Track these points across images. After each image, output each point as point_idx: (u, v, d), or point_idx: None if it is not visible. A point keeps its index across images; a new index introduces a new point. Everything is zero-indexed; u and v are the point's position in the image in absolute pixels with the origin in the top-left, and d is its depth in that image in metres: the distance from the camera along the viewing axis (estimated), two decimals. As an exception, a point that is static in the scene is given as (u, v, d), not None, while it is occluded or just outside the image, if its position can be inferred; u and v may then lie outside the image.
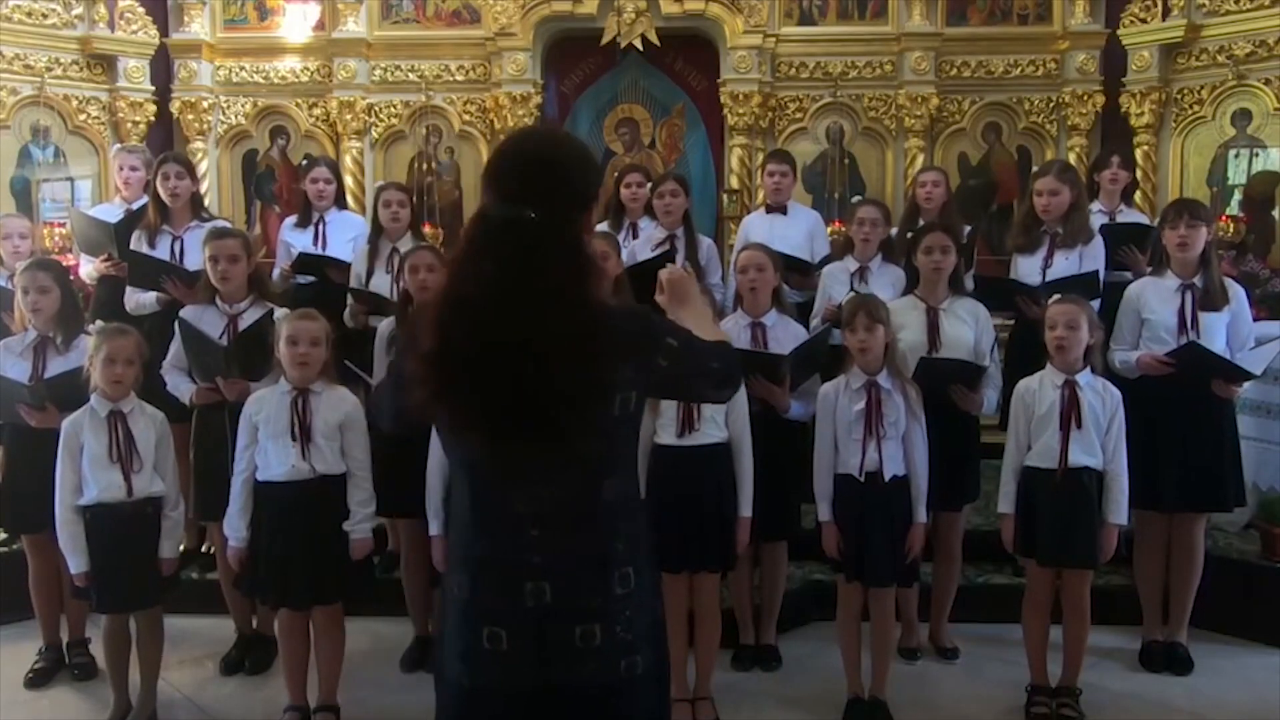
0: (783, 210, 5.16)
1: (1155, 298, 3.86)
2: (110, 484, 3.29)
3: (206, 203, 5.18)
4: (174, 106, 6.70)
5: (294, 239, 4.90)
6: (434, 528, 3.41)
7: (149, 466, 3.35)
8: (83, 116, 6.40)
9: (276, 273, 4.74)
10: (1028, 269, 4.31)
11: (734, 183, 6.69)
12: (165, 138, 6.70)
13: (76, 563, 3.32)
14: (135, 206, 4.81)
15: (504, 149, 1.79)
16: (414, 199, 4.90)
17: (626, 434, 1.80)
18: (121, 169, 4.97)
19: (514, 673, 1.73)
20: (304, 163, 6.44)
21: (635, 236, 4.94)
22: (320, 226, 4.91)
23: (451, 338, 1.64)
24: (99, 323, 3.47)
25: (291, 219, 5.07)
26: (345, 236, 4.88)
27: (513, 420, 1.63)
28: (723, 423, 3.44)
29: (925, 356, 3.65)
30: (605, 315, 1.71)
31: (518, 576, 1.72)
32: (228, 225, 4.57)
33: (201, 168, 6.24)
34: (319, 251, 4.79)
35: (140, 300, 4.36)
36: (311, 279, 4.74)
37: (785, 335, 3.77)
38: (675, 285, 2.02)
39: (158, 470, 3.38)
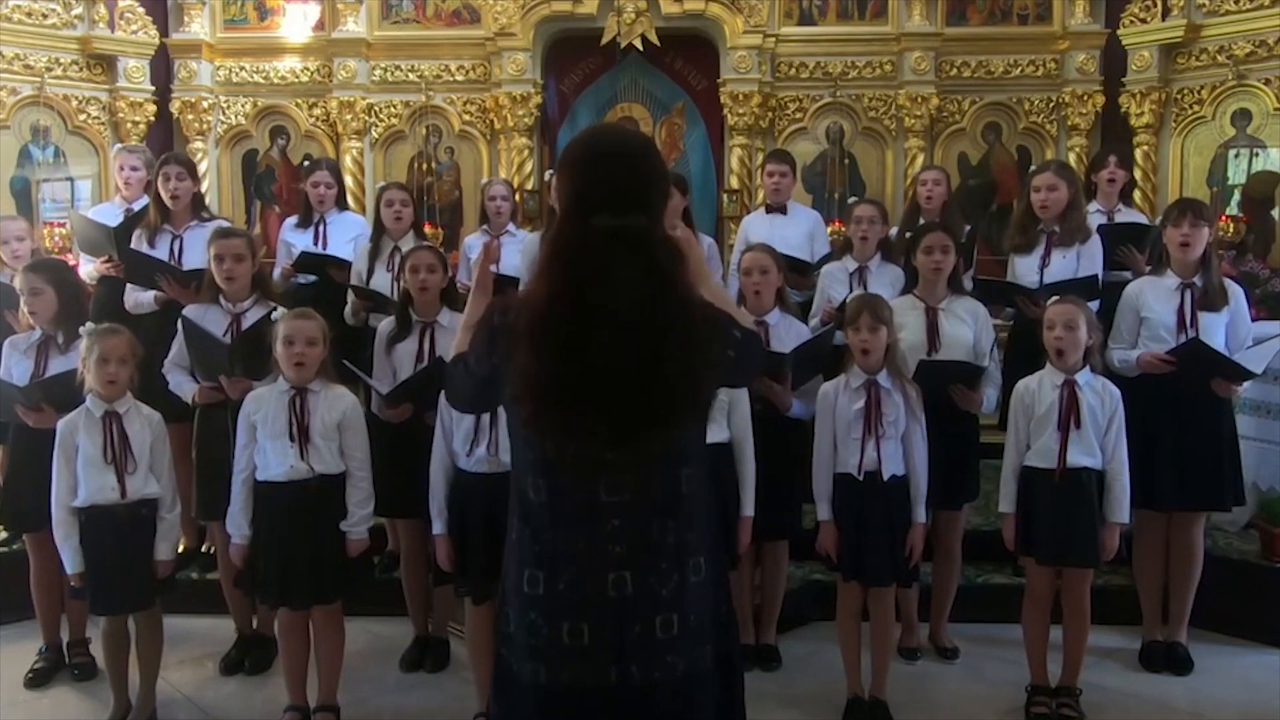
0: (782, 210, 5.17)
1: (1154, 297, 3.85)
2: (104, 486, 3.28)
3: (207, 202, 5.19)
4: (174, 106, 6.71)
5: (295, 239, 4.91)
6: (437, 527, 3.40)
7: (144, 468, 3.34)
8: (83, 116, 6.40)
9: (277, 273, 4.75)
10: (1025, 269, 4.31)
11: (734, 183, 6.69)
12: (165, 138, 6.71)
13: (71, 563, 3.32)
14: (135, 207, 4.82)
15: (594, 156, 1.78)
16: (414, 199, 4.91)
17: (704, 424, 1.85)
18: (122, 169, 4.97)
19: (593, 667, 1.74)
20: (304, 163, 6.46)
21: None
22: (321, 227, 4.92)
23: (575, 349, 1.64)
24: (89, 324, 3.46)
25: (292, 219, 5.07)
26: (346, 237, 4.89)
27: (631, 420, 1.66)
28: (724, 423, 3.43)
29: (924, 358, 3.65)
30: (700, 309, 1.74)
31: (601, 568, 1.74)
32: (231, 225, 4.57)
33: (201, 168, 6.24)
34: (320, 251, 4.80)
35: (139, 299, 4.37)
36: (313, 278, 4.75)
37: (788, 334, 3.77)
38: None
39: (153, 471, 3.37)
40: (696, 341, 1.68)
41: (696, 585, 1.78)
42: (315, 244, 4.85)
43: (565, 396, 1.66)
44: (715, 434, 3.40)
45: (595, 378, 1.64)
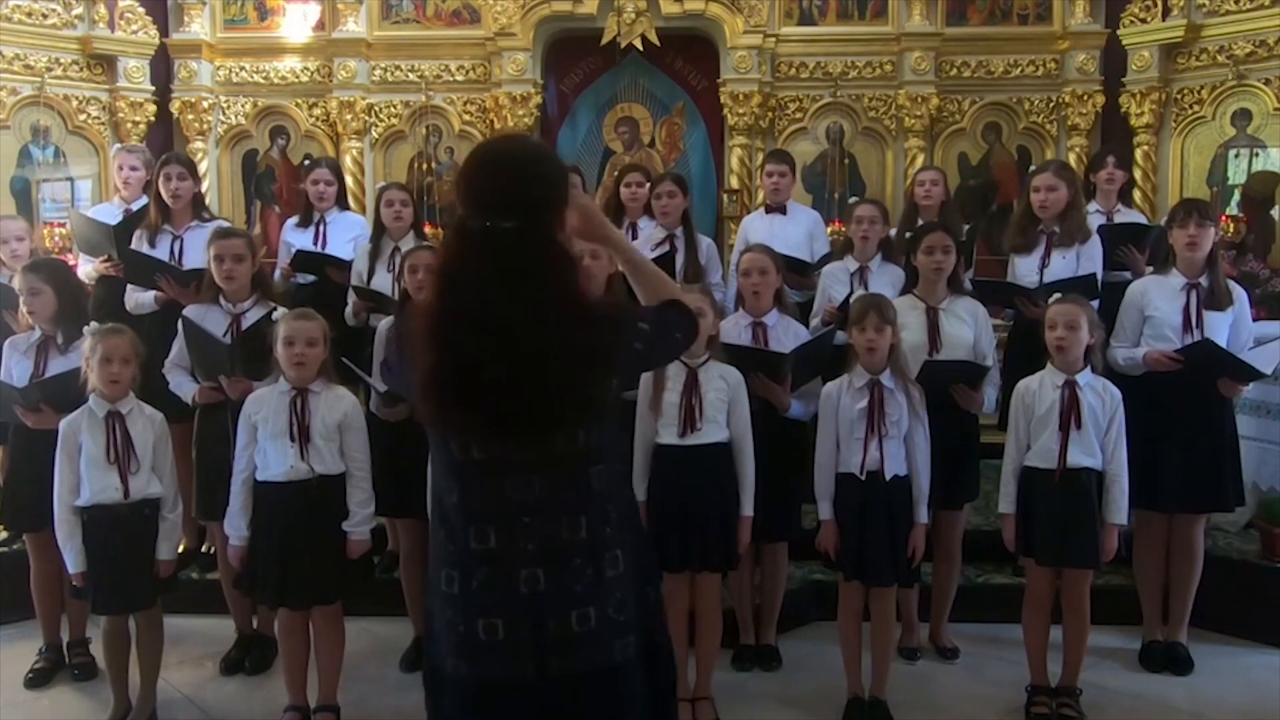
0: (782, 210, 5.17)
1: (1160, 296, 3.85)
2: (107, 486, 3.29)
3: (207, 202, 5.19)
4: (174, 106, 6.71)
5: (295, 239, 4.91)
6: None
7: (146, 468, 3.35)
8: (83, 116, 6.40)
9: (277, 273, 4.75)
10: (1025, 269, 4.30)
11: (734, 183, 6.69)
12: (165, 138, 6.70)
13: (74, 563, 3.32)
14: (135, 207, 4.82)
15: (473, 163, 1.83)
16: (414, 199, 4.91)
17: (612, 421, 1.87)
18: (121, 169, 4.97)
19: (513, 662, 1.77)
20: (305, 163, 6.45)
21: (635, 236, 4.94)
22: (321, 227, 4.93)
23: (455, 350, 1.70)
24: (93, 324, 3.47)
25: (293, 219, 5.08)
26: (346, 236, 4.89)
27: (522, 421, 1.71)
28: (724, 423, 3.43)
29: (930, 359, 3.65)
30: (590, 311, 1.77)
31: (512, 565, 1.77)
32: (231, 225, 4.57)
33: (201, 168, 6.23)
34: (318, 250, 4.80)
35: (139, 299, 4.37)
36: (312, 278, 4.75)
37: (786, 335, 3.77)
38: (586, 213, 1.91)
39: (155, 471, 3.38)
40: (579, 343, 1.70)
41: (614, 578, 1.81)
42: (315, 244, 4.85)
43: (455, 398, 1.70)
44: (715, 434, 3.41)
45: (477, 380, 1.69)
